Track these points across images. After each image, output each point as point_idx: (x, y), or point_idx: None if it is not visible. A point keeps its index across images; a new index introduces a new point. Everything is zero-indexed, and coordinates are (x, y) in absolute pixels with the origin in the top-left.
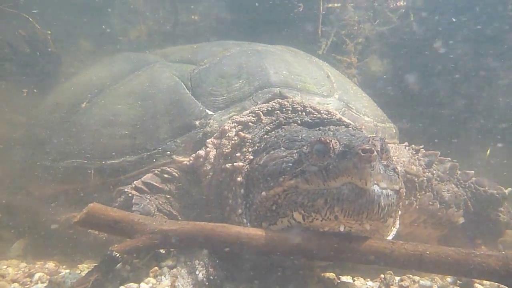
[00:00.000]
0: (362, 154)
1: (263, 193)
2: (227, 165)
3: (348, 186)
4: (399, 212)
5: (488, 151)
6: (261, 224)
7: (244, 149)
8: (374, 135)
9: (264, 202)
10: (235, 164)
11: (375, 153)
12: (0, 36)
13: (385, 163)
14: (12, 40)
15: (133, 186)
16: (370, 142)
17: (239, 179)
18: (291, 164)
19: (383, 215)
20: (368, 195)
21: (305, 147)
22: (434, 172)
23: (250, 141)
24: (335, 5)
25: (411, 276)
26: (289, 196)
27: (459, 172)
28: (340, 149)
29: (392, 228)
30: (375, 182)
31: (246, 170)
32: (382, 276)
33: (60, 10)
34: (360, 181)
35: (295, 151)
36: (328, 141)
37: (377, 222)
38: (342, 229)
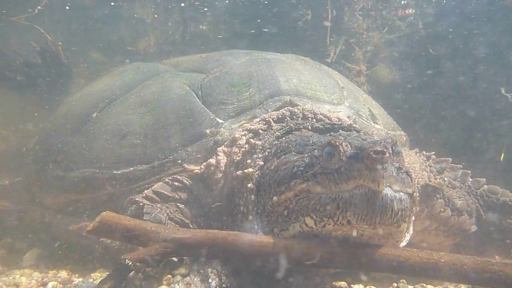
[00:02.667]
0: (374, 156)
1: (274, 198)
2: (238, 172)
3: (360, 189)
4: (413, 217)
5: (502, 155)
6: (273, 230)
7: (255, 156)
8: (386, 138)
9: (275, 207)
10: (245, 170)
11: (387, 154)
12: (12, 47)
13: (397, 165)
14: (24, 51)
15: (144, 195)
16: (381, 144)
17: (249, 185)
18: (302, 168)
19: (397, 219)
20: (381, 199)
21: (316, 151)
22: (446, 179)
23: (261, 147)
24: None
25: (424, 284)
26: (301, 201)
27: (470, 179)
28: (352, 151)
29: (406, 233)
30: (388, 184)
31: (256, 176)
32: (395, 284)
33: (70, 22)
34: (372, 183)
35: (306, 155)
36: (338, 143)
37: (391, 227)
38: (355, 234)
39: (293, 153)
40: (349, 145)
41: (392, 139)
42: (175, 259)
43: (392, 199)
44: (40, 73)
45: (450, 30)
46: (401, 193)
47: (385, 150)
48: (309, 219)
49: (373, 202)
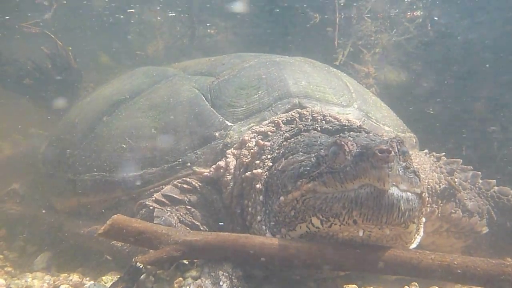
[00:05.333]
0: (379, 154)
1: (281, 198)
2: (247, 173)
3: (366, 188)
4: (423, 219)
5: None
6: (280, 230)
7: (264, 157)
8: (392, 137)
9: (282, 207)
10: (254, 171)
11: (393, 153)
12: (23, 53)
13: (404, 164)
14: (35, 57)
15: (154, 198)
16: (387, 143)
17: (258, 186)
18: (308, 168)
19: (404, 220)
20: (387, 198)
21: (322, 151)
22: (456, 180)
23: (269, 148)
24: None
25: (436, 287)
26: (307, 200)
27: (480, 181)
28: (357, 150)
29: (416, 235)
30: (394, 183)
31: (265, 176)
32: (407, 287)
33: (80, 27)
34: (378, 182)
35: (313, 155)
36: (344, 142)
37: (398, 227)
38: (361, 234)
39: (301, 153)
40: (354, 145)
41: (398, 138)
42: (186, 261)
43: (399, 199)
44: (51, 77)
45: (460, 30)
46: (409, 193)
47: (390, 149)
48: (316, 219)
49: (379, 201)
